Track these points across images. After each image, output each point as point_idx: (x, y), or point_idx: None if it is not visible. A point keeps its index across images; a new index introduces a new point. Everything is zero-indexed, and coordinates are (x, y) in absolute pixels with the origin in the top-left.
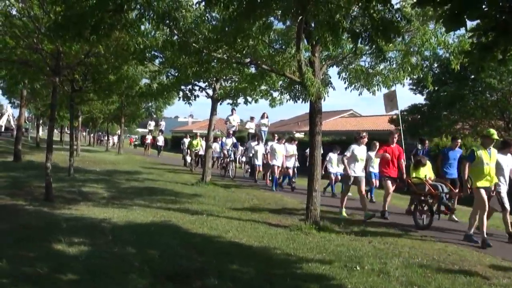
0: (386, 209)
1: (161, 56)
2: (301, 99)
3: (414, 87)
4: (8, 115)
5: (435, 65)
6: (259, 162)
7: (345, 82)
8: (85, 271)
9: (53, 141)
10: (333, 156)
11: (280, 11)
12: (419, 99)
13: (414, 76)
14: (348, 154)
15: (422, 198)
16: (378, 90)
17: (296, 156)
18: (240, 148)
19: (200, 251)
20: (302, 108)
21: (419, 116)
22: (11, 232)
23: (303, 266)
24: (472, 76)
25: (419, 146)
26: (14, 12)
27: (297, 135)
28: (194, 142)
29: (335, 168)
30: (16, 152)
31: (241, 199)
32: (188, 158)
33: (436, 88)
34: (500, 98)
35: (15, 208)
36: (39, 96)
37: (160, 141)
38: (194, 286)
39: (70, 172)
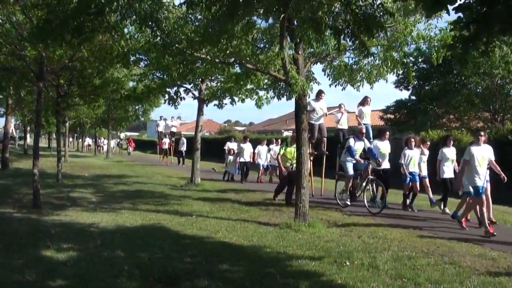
0: None
1: (146, 58)
2: (285, 97)
3: (399, 84)
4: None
5: (420, 60)
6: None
7: (329, 79)
8: (74, 276)
9: (39, 147)
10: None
11: (262, 10)
12: (404, 95)
13: (399, 72)
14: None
15: None
16: (361, 86)
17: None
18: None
19: (189, 253)
20: (289, 106)
21: (405, 111)
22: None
23: (293, 264)
24: (456, 70)
25: None
26: None
27: (285, 133)
28: (289, 150)
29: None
30: (4, 160)
31: (230, 200)
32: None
33: (421, 82)
34: (485, 92)
35: (3, 215)
36: (24, 103)
37: (183, 145)
38: None
39: (58, 178)
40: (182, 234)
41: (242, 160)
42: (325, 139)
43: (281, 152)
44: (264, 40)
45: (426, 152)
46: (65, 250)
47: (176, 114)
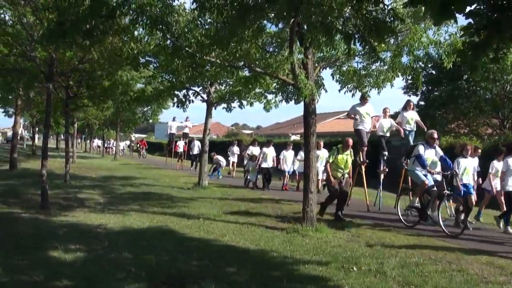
0: None
1: (155, 61)
2: (293, 100)
3: (408, 89)
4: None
5: (429, 65)
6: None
7: (338, 83)
8: (81, 277)
9: (48, 148)
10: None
11: (272, 14)
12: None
13: (408, 77)
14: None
15: None
16: (369, 91)
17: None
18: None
19: (196, 255)
20: (297, 110)
21: None
22: (7, 240)
23: (300, 268)
24: (466, 76)
25: None
26: (7, 18)
27: (293, 137)
28: (341, 157)
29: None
30: (12, 160)
31: (238, 203)
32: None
33: (430, 88)
34: (494, 98)
35: (11, 216)
36: (34, 104)
37: (196, 148)
38: None
39: (66, 179)
40: (189, 237)
41: (264, 165)
42: (365, 148)
43: (331, 160)
44: (274, 44)
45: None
46: (72, 251)
47: (186, 117)
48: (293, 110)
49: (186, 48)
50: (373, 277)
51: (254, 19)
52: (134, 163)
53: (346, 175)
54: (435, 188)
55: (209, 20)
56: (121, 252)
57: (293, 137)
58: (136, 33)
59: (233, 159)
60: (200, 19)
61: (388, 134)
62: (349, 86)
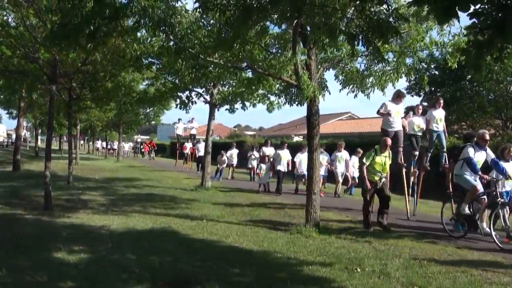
0: None
1: (158, 62)
2: (296, 102)
3: (411, 90)
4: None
5: (432, 66)
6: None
7: (340, 84)
8: (85, 279)
9: (51, 149)
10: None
11: (276, 15)
12: (416, 101)
13: (411, 78)
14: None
15: None
16: (372, 92)
17: None
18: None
19: (200, 257)
20: (300, 111)
21: None
22: (11, 241)
23: (304, 269)
24: (469, 77)
25: None
26: (10, 20)
27: (296, 138)
28: (379, 159)
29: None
30: (15, 162)
31: (241, 204)
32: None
33: (433, 89)
34: (497, 99)
35: (15, 217)
36: (36, 105)
37: (201, 150)
38: None
39: (69, 180)
40: (193, 238)
41: (279, 168)
42: (401, 149)
43: (368, 162)
44: (277, 46)
45: None
46: (75, 252)
47: (190, 118)
48: (295, 111)
49: (189, 49)
50: (376, 278)
51: (257, 20)
52: (137, 165)
53: (384, 179)
54: (485, 196)
55: (211, 21)
56: (125, 253)
57: (296, 138)
58: (139, 34)
59: (233, 161)
60: (202, 20)
61: (420, 133)
62: (350, 86)
